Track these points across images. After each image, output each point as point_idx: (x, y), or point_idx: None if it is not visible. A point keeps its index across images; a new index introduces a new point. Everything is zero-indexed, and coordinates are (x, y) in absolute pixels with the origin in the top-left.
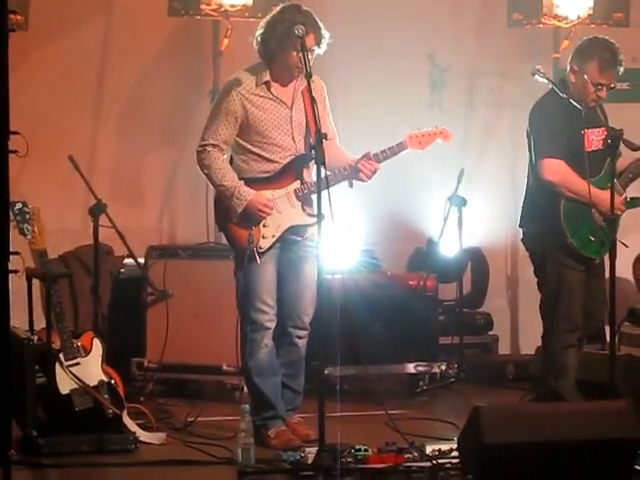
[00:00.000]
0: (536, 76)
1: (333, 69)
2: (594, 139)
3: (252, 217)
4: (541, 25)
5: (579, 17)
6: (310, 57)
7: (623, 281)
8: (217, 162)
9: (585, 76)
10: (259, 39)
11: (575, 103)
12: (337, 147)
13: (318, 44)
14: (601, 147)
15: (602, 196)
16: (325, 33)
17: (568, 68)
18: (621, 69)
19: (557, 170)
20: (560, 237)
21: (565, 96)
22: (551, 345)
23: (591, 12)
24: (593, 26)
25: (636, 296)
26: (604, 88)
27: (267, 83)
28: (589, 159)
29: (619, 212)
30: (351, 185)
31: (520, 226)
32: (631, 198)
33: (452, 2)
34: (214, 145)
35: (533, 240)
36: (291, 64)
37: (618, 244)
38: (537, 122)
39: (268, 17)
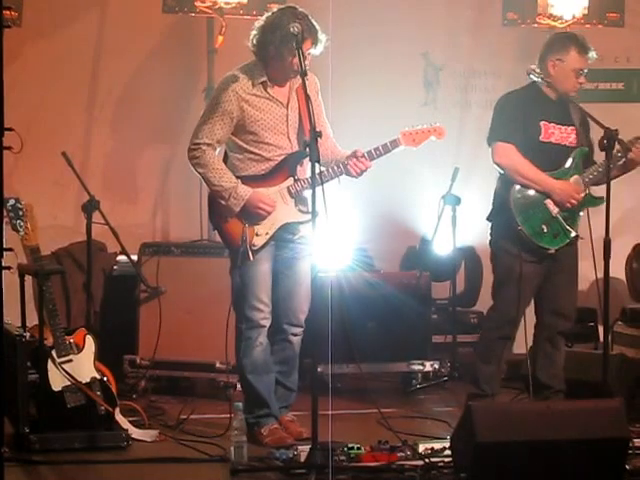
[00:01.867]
0: (531, 75)
1: (327, 66)
2: (554, 132)
3: (252, 215)
4: (536, 25)
5: (574, 17)
6: (307, 61)
7: (615, 281)
8: (214, 162)
9: (566, 64)
10: (255, 42)
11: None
12: (330, 141)
13: (315, 48)
14: (567, 144)
15: (557, 185)
16: (322, 36)
17: (546, 64)
18: (594, 54)
19: (505, 154)
20: (511, 224)
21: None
22: (484, 330)
23: (586, 12)
24: (588, 26)
25: (628, 296)
26: (582, 74)
27: (264, 83)
28: (549, 151)
29: (573, 203)
30: (339, 181)
31: (487, 219)
32: (594, 197)
33: (447, 1)
34: (208, 144)
35: (491, 229)
36: (288, 68)
37: (613, 243)
38: (497, 109)
39: (264, 19)
